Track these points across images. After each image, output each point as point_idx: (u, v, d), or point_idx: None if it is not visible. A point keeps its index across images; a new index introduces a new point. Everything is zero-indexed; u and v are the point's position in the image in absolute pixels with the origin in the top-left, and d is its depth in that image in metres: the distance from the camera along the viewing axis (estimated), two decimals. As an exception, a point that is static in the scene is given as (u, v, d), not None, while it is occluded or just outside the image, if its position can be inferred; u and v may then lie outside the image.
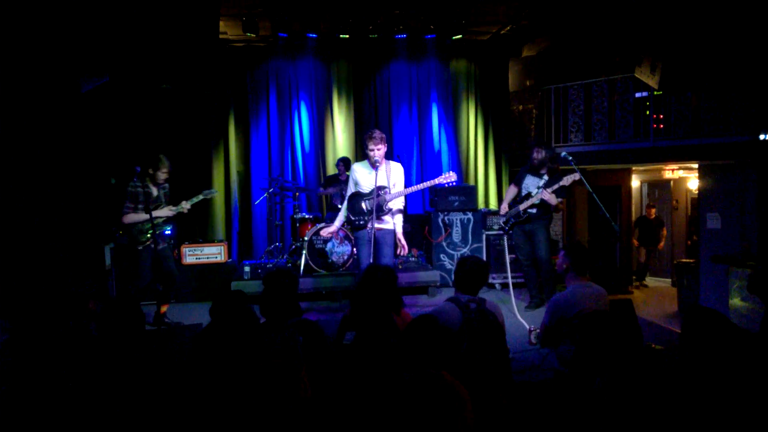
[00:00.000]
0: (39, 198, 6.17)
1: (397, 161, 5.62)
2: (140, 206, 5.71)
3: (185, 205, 5.97)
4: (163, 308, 6.14)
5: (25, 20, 5.70)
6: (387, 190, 5.32)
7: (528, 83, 10.20)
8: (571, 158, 5.82)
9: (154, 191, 5.85)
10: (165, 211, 5.89)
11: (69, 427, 2.51)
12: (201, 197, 6.12)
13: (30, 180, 6.02)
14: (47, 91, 6.39)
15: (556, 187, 6.05)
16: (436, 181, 5.44)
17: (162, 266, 6.03)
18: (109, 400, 2.55)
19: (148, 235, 5.77)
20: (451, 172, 5.47)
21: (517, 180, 6.70)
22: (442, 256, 7.93)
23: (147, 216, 5.57)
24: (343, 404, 2.61)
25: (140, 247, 5.81)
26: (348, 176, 8.32)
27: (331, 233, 5.92)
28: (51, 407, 2.74)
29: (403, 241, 5.49)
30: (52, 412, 2.66)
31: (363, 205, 5.40)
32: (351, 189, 5.55)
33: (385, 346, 2.73)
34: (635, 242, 10.09)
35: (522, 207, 6.31)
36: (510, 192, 6.73)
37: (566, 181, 5.95)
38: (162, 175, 5.83)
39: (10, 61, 5.63)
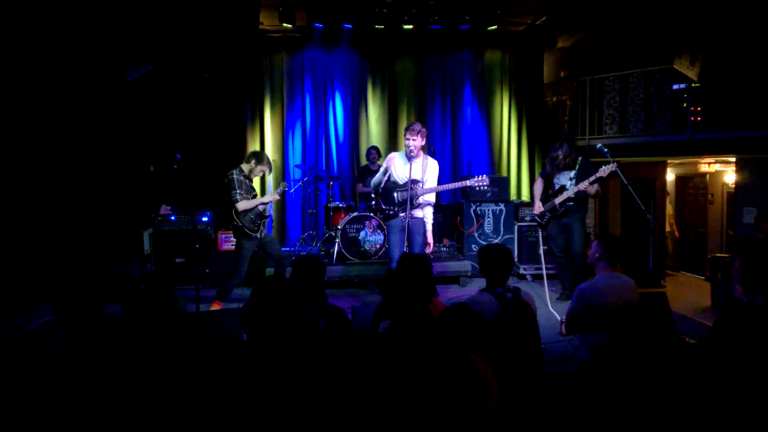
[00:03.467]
0: (82, 184, 6.39)
1: (431, 155, 5.69)
2: (244, 195, 5.86)
3: (276, 195, 6.13)
4: (215, 306, 6.04)
5: (75, 13, 5.89)
6: (421, 184, 5.43)
7: (562, 74, 10.14)
8: (606, 150, 5.80)
9: (248, 182, 5.99)
10: (269, 197, 6.06)
11: (105, 406, 2.63)
12: (282, 189, 6.22)
13: (74, 167, 6.24)
14: (93, 82, 6.61)
15: (593, 178, 6.02)
16: (469, 182, 5.51)
17: (270, 251, 6.19)
18: (145, 382, 2.67)
19: (258, 223, 5.94)
20: (484, 175, 5.51)
21: (544, 173, 6.66)
22: (473, 246, 7.98)
23: (256, 202, 5.86)
24: (367, 388, 2.68)
25: (250, 238, 5.89)
26: (379, 165, 8.46)
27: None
28: (93, 388, 2.88)
29: (430, 239, 5.55)
30: (93, 392, 2.80)
31: (395, 195, 5.49)
32: (381, 176, 5.60)
33: (419, 335, 2.80)
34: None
35: (558, 201, 6.29)
36: (538, 185, 6.67)
37: (603, 172, 5.90)
38: (259, 171, 5.97)
39: (59, 52, 5.83)
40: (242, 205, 5.79)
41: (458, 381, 2.37)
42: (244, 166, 5.95)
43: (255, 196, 6.00)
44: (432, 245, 5.62)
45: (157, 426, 2.55)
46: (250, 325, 2.70)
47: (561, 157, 6.27)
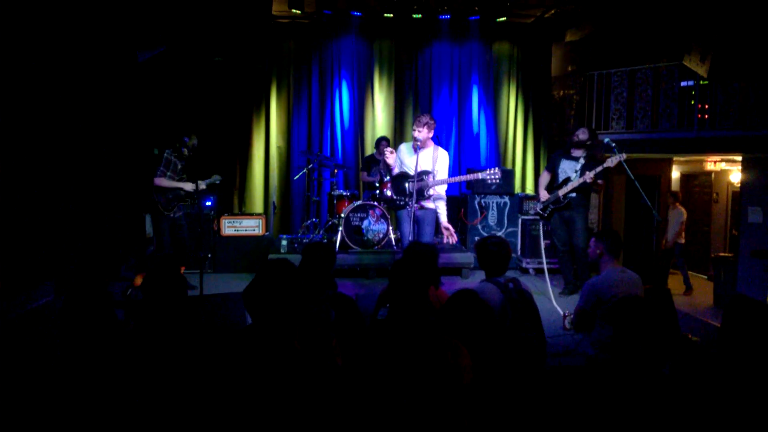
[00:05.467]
0: (86, 166, 6.38)
1: (436, 143, 5.66)
2: (169, 174, 6.12)
3: (201, 185, 6.28)
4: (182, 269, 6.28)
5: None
6: (432, 175, 5.41)
7: (570, 68, 10.07)
8: (614, 145, 5.78)
9: (179, 164, 6.24)
10: (187, 185, 6.23)
11: (114, 387, 2.62)
12: (214, 180, 6.53)
13: (79, 148, 6.23)
14: (105, 64, 6.57)
15: (599, 169, 6.00)
16: (481, 175, 5.50)
17: (176, 234, 6.33)
18: (156, 363, 2.66)
19: (174, 204, 6.19)
20: (496, 168, 5.51)
21: (550, 166, 6.65)
22: (476, 238, 7.95)
23: (174, 184, 6.12)
24: (373, 375, 2.68)
25: (165, 214, 6.14)
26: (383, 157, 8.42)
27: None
28: (95, 367, 2.87)
29: (452, 229, 5.57)
30: (96, 372, 2.79)
31: (406, 186, 5.48)
32: (396, 168, 5.60)
33: (419, 321, 2.79)
34: None
35: (562, 192, 6.28)
36: (544, 178, 6.67)
37: (611, 162, 5.88)
38: (186, 152, 6.23)
39: (72, 33, 5.78)
40: (158, 181, 6.06)
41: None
42: (184, 149, 6.22)
43: (182, 179, 6.24)
44: (455, 237, 5.68)
45: (157, 409, 2.54)
46: (253, 305, 2.64)
47: (580, 139, 6.28)
